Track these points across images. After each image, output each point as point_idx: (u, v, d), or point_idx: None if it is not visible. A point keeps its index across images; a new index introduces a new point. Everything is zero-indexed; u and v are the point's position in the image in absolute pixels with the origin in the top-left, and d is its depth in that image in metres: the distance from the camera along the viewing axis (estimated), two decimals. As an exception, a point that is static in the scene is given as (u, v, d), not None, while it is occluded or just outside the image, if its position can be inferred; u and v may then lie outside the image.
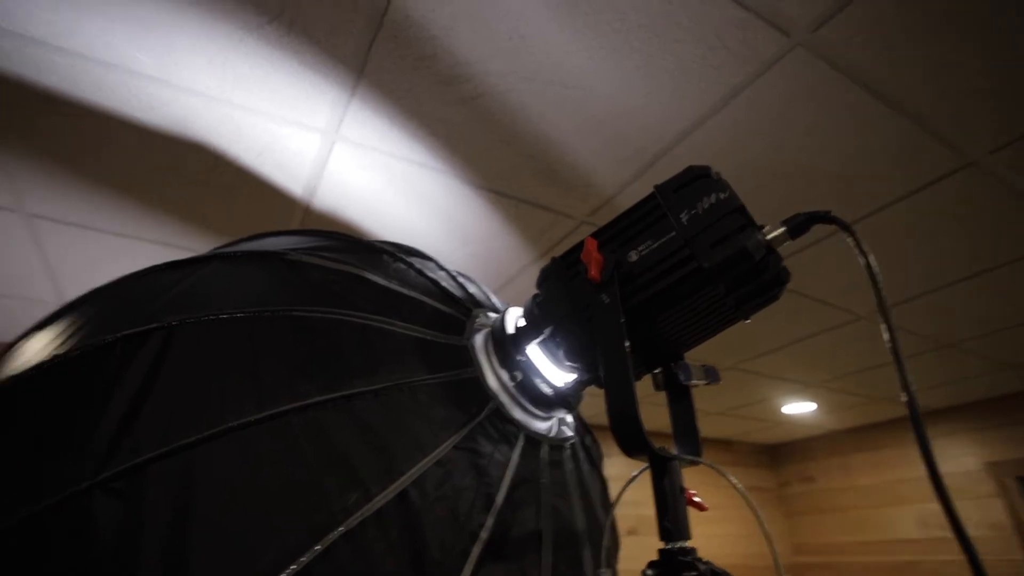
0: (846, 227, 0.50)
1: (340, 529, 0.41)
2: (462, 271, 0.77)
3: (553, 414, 0.62)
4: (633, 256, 0.54)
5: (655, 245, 0.53)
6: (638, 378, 0.60)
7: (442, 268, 0.74)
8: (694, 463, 0.54)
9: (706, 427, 3.56)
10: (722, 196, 0.51)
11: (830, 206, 1.43)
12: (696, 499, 0.51)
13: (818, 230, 1.51)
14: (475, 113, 1.16)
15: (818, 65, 1.05)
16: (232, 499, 0.41)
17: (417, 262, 0.69)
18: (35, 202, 1.38)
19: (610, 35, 1.00)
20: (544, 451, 0.57)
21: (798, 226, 0.53)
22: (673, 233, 0.52)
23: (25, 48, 0.99)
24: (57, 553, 0.40)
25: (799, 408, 3.13)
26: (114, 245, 1.55)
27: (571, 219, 1.50)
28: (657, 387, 0.61)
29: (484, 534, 0.46)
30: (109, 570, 0.39)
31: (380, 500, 0.43)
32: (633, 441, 0.47)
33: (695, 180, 0.54)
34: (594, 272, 0.52)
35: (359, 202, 1.42)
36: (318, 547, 0.40)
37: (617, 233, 0.56)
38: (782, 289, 0.54)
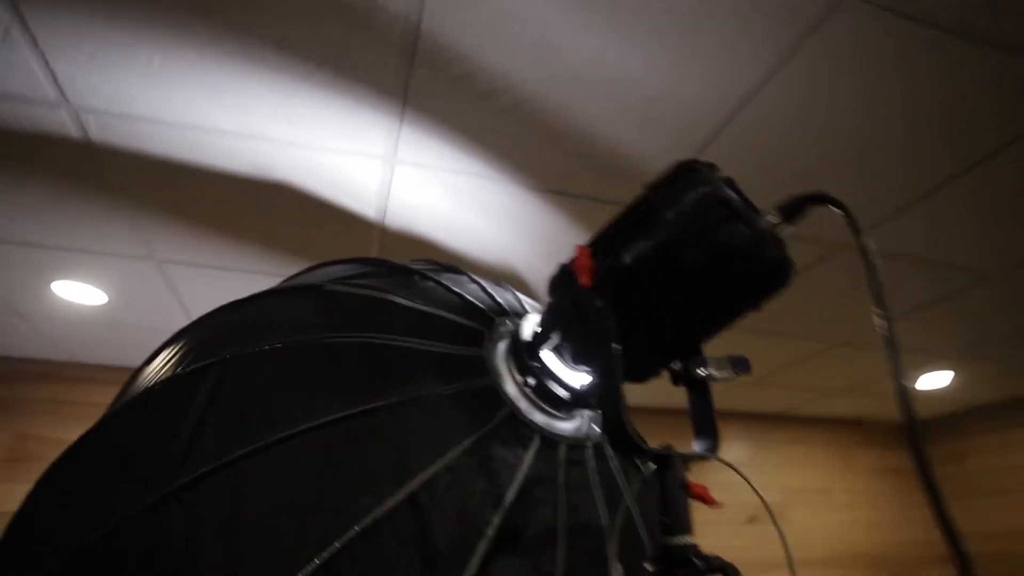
0: (840, 205, 0.48)
1: (356, 528, 0.47)
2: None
3: (575, 415, 0.64)
4: (627, 258, 0.55)
5: (646, 245, 0.53)
6: (656, 375, 0.61)
7: (475, 281, 0.78)
8: (703, 459, 0.54)
9: (830, 406, 3.31)
10: (705, 190, 0.51)
11: (917, 167, 1.30)
12: (704, 493, 0.51)
13: (920, 184, 1.36)
14: (519, 120, 1.19)
15: (877, 15, 0.96)
16: (268, 504, 0.49)
17: (447, 278, 0.75)
18: (163, 250, 1.62)
19: (635, 24, 0.99)
20: (562, 451, 0.60)
21: (792, 211, 0.51)
22: (663, 232, 0.53)
23: (133, 125, 1.17)
24: (144, 552, 0.49)
25: (932, 381, 2.82)
26: (231, 279, 1.77)
27: (635, 209, 1.48)
28: (675, 382, 0.61)
29: (490, 531, 0.50)
30: (181, 565, 0.48)
31: (391, 502, 0.49)
32: (621, 443, 0.48)
33: (682, 175, 0.54)
34: (583, 280, 0.54)
35: (427, 218, 1.51)
36: (337, 544, 0.46)
37: (613, 235, 0.57)
38: (785, 276, 0.52)
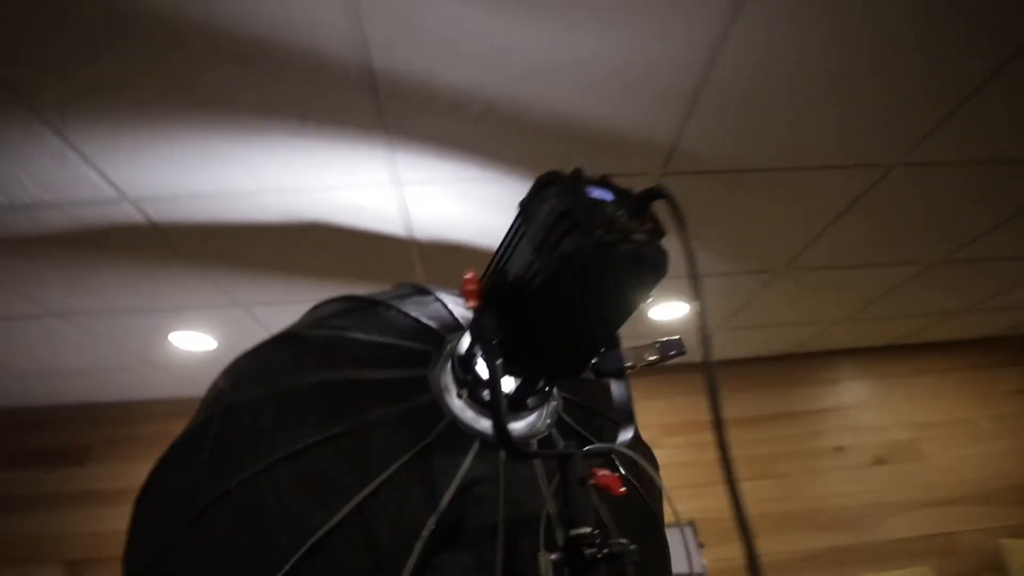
0: (671, 200, 0.50)
1: (313, 538, 0.57)
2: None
3: (520, 416, 0.70)
4: (508, 275, 0.59)
5: (519, 262, 0.58)
6: (582, 369, 0.65)
7: (438, 300, 0.86)
8: (605, 453, 0.57)
9: (957, 328, 2.98)
10: (550, 204, 0.54)
11: (922, 90, 1.17)
12: (611, 483, 0.55)
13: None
14: (496, 122, 1.24)
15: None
16: (252, 523, 0.61)
17: (411, 302, 0.83)
18: (241, 296, 1.85)
19: (575, 8, 0.99)
20: (503, 452, 0.66)
21: (636, 209, 0.53)
22: (528, 248, 0.57)
23: (179, 203, 1.37)
24: (190, 558, 0.63)
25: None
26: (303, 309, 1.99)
27: (647, 176, 1.47)
28: (597, 376, 0.65)
29: (425, 532, 0.58)
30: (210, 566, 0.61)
31: (340, 515, 0.58)
32: (508, 450, 0.54)
33: (540, 189, 0.58)
34: (470, 303, 0.60)
35: (449, 224, 1.59)
36: (301, 550, 0.57)
37: (500, 256, 0.62)
38: (647, 267, 0.54)
